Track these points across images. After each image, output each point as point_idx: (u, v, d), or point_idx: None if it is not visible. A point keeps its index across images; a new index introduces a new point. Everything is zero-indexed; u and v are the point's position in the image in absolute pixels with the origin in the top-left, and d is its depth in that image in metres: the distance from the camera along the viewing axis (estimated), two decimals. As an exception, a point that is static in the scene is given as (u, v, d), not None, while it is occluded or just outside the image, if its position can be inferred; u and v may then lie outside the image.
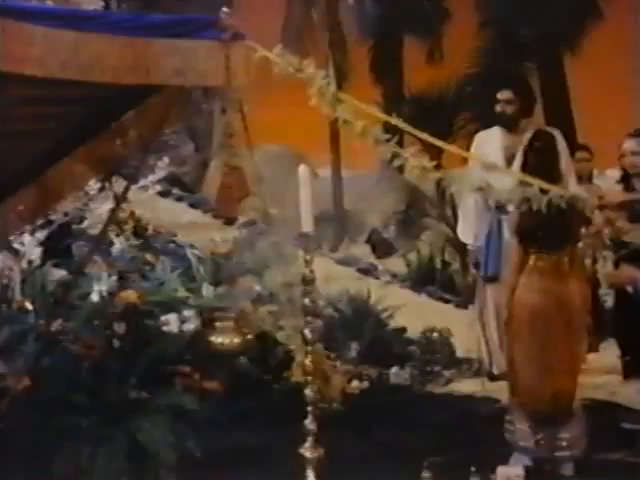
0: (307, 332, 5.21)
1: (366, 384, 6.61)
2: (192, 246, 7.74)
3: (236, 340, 5.94)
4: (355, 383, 6.26)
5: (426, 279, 9.18)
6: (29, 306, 6.15)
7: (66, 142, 4.86)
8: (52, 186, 5.00)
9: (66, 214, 7.09)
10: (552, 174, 4.91)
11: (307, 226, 5.07)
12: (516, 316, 5.11)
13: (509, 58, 11.25)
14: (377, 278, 9.39)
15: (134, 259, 7.22)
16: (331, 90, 4.47)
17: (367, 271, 9.54)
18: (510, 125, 6.36)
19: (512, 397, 5.23)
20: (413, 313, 7.68)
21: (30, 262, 6.07)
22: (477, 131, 7.35)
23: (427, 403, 6.56)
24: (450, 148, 4.83)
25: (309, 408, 5.18)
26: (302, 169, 5.13)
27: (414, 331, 7.49)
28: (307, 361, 5.20)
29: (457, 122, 11.02)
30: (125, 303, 5.29)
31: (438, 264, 8.93)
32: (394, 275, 9.62)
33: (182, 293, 6.50)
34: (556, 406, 5.05)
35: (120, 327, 5.19)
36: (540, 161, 5.05)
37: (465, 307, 7.88)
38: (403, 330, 7.26)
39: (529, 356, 5.08)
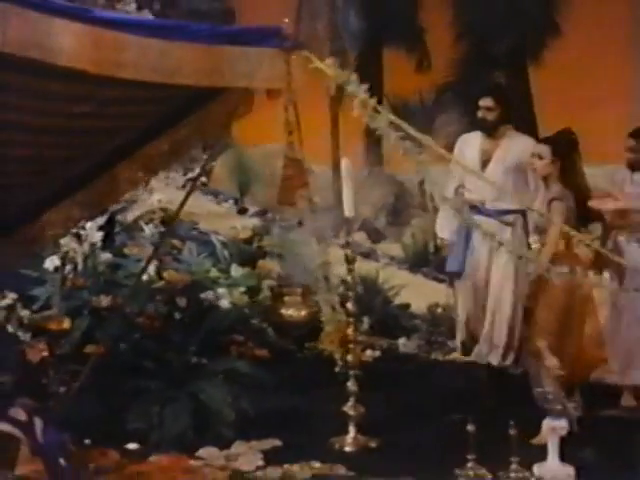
0: (350, 305, 5.58)
1: (378, 353, 6.93)
2: (216, 233, 8.03)
3: (303, 312, 6.33)
4: (369, 352, 6.54)
5: (421, 261, 9.61)
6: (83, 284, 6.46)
7: (137, 139, 5.13)
8: (121, 177, 5.26)
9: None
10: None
11: (349, 211, 5.44)
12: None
13: (481, 68, 11.73)
14: (377, 261, 9.78)
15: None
16: (371, 102, 4.77)
17: (368, 255, 9.91)
18: (490, 131, 6.35)
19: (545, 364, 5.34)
20: (412, 291, 8.04)
21: (92, 245, 6.36)
22: (455, 134, 7.53)
23: (436, 369, 6.85)
24: (441, 152, 5.10)
25: (350, 372, 5.53)
26: (344, 162, 5.53)
27: (415, 307, 7.85)
28: (350, 331, 5.55)
29: (436, 126, 11.42)
30: (179, 281, 5.61)
31: (431, 248, 9.31)
32: (392, 258, 10.02)
33: (214, 273, 6.79)
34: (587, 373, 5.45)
35: (182, 301, 5.53)
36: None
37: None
38: (407, 306, 7.62)
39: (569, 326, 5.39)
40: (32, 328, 5.71)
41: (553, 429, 3.98)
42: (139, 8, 8.76)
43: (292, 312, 6.58)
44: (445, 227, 6.54)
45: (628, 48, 12.28)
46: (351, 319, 5.82)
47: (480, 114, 6.38)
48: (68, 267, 6.62)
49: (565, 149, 5.63)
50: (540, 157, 5.58)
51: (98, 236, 6.40)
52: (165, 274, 6.23)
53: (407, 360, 7.12)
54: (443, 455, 4.99)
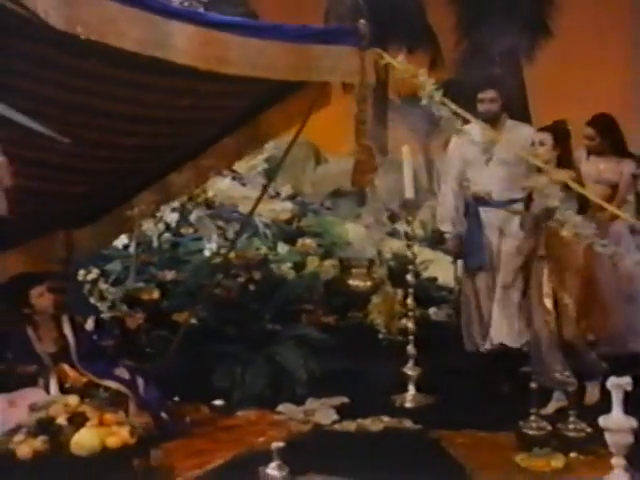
0: (409, 277, 5.74)
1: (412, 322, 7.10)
2: (259, 215, 8.18)
3: (369, 283, 6.50)
4: (404, 320, 6.61)
5: (438, 240, 9.77)
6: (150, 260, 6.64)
7: (220, 131, 5.30)
8: (205, 165, 5.42)
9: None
10: None
11: (409, 193, 5.62)
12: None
13: (480, 66, 11.97)
14: (400, 239, 9.95)
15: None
16: (439, 94, 4.94)
17: (392, 234, 10.07)
18: (492, 121, 5.98)
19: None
20: (436, 266, 8.14)
21: (167, 225, 6.52)
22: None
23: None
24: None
25: (410, 337, 5.70)
26: (405, 149, 5.69)
27: (441, 280, 7.96)
28: (409, 300, 5.71)
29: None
30: (255, 256, 5.79)
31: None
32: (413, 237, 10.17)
33: (263, 251, 6.98)
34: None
35: (257, 274, 5.69)
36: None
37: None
38: (435, 279, 7.74)
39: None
40: (127, 299, 5.88)
41: (618, 385, 4.14)
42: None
43: (358, 282, 6.76)
44: (445, 218, 6.19)
45: (614, 44, 12.52)
46: (399, 291, 6.00)
47: (482, 107, 6.05)
48: (133, 244, 6.78)
49: (562, 138, 5.51)
50: (542, 144, 5.44)
51: (172, 217, 6.56)
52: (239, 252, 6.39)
53: (439, 327, 7.27)
54: (500, 409, 5.16)
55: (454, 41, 12.35)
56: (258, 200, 5.65)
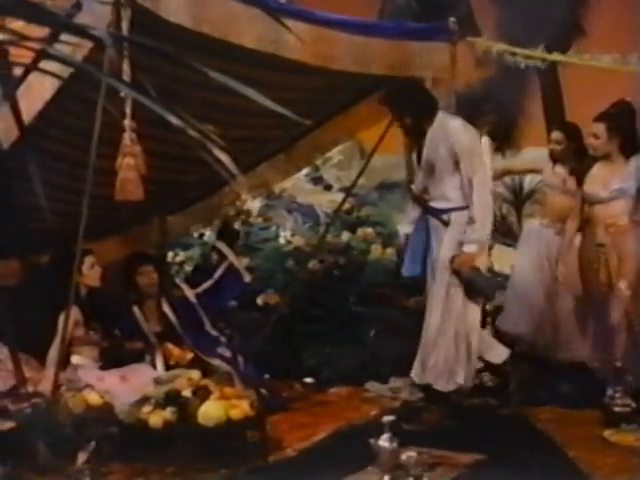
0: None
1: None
2: (319, 205, 8.27)
3: None
4: None
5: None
6: None
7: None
8: (299, 156, 5.53)
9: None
10: None
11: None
12: None
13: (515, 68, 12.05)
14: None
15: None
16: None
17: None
18: None
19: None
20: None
21: (247, 213, 6.65)
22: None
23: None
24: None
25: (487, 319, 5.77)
26: (484, 140, 5.77)
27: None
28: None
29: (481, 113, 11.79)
30: (338, 243, 5.89)
31: (498, 216, 9.51)
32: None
33: (329, 239, 7.11)
34: None
35: (342, 259, 5.78)
36: None
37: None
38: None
39: None
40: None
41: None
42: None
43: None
44: (405, 220, 5.49)
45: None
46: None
47: None
48: (211, 232, 6.90)
49: (625, 121, 4.97)
50: (596, 137, 4.96)
51: (255, 205, 6.69)
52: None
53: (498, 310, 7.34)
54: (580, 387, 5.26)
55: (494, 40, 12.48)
56: (344, 200, 5.76)
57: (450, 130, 4.90)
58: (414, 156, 5.24)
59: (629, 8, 12.32)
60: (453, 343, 4.99)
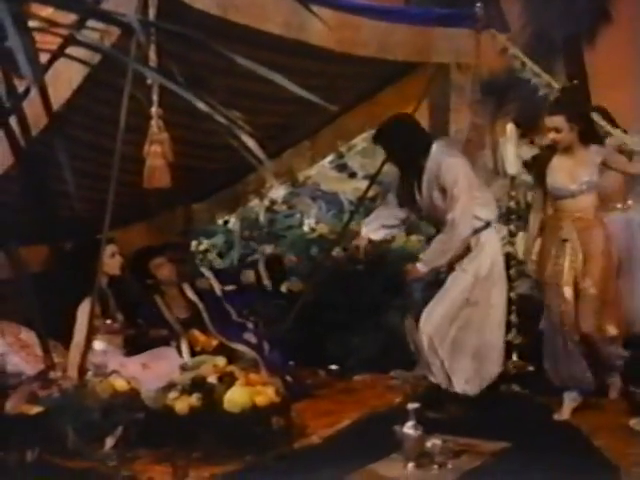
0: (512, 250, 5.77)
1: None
2: (343, 193, 8.23)
3: None
4: None
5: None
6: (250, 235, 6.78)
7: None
8: (324, 143, 5.51)
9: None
10: None
11: (511, 169, 5.66)
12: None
13: (543, 53, 11.94)
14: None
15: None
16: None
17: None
18: None
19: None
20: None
21: (272, 202, 6.65)
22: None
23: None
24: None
25: (512, 307, 5.75)
26: (509, 127, 5.74)
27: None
28: (511, 272, 5.72)
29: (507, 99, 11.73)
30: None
31: (523, 205, 9.40)
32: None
33: (353, 226, 7.08)
34: None
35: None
36: None
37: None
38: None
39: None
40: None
41: None
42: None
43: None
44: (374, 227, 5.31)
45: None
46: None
47: None
48: (236, 220, 6.92)
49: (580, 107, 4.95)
50: (557, 130, 4.70)
51: (278, 194, 6.68)
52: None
53: (524, 299, 7.29)
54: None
55: (520, 26, 12.37)
56: (368, 187, 5.74)
57: (441, 167, 4.83)
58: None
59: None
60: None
